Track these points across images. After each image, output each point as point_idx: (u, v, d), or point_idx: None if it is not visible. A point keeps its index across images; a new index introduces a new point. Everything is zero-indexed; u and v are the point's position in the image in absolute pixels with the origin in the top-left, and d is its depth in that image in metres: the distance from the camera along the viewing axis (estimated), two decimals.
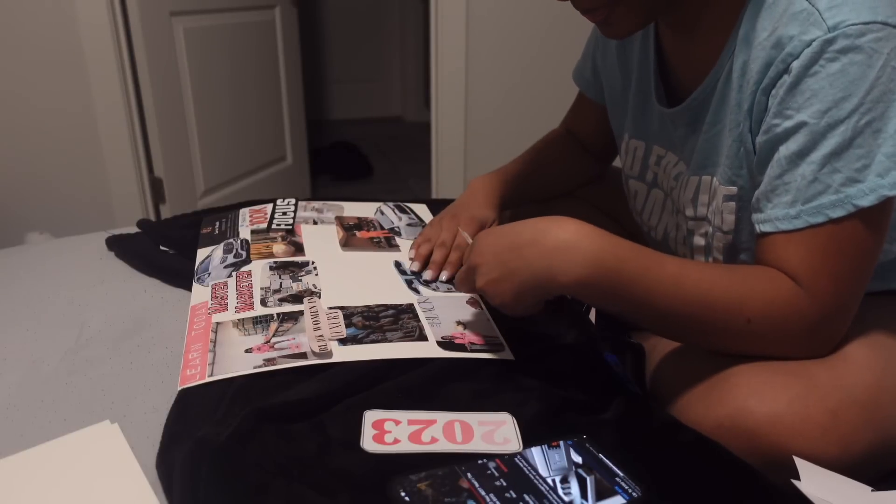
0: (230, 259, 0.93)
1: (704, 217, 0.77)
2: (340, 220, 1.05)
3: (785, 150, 0.62)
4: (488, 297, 0.69)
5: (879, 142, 0.59)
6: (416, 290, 0.86)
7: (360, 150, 3.40)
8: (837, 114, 0.59)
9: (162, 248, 1.02)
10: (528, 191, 1.03)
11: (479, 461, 0.57)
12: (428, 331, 0.77)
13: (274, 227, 1.02)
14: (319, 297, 0.83)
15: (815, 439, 0.57)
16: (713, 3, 0.70)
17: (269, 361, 0.71)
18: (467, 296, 0.85)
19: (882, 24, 0.58)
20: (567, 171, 1.08)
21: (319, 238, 0.99)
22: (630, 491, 0.54)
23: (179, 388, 0.68)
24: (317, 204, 1.11)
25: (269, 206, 1.09)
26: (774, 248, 0.64)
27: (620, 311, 0.67)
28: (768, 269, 0.65)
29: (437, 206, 1.13)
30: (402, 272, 0.91)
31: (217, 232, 1.03)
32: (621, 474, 0.56)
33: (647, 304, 0.64)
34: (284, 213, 1.06)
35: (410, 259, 0.93)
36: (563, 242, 0.63)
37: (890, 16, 0.58)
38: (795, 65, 0.60)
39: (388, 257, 0.94)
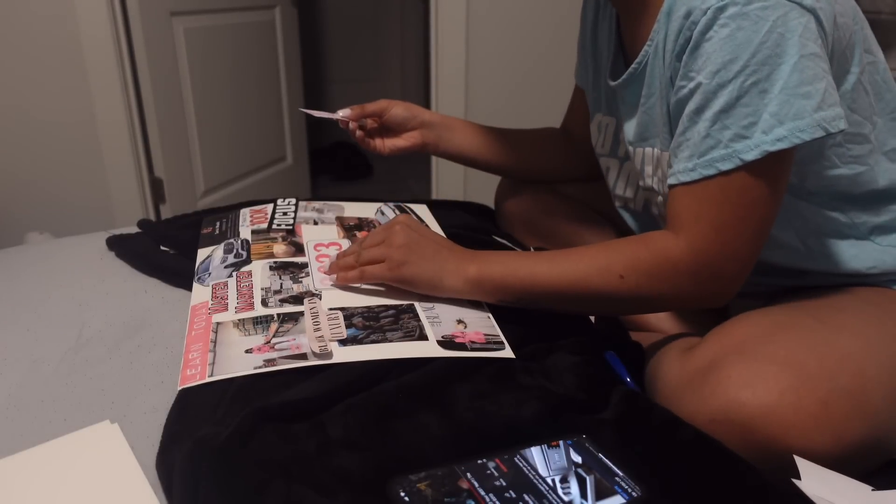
0: (230, 259, 0.93)
1: (651, 188, 0.83)
2: (341, 221, 1.05)
3: (687, 109, 0.68)
4: (391, 258, 0.80)
5: (766, 101, 0.63)
6: None
7: (360, 150, 3.40)
8: (725, 74, 0.64)
9: (162, 248, 1.02)
10: (476, 137, 1.09)
11: (479, 461, 0.57)
12: (428, 330, 0.77)
13: (274, 227, 1.02)
14: (320, 298, 0.83)
15: (808, 430, 0.58)
16: None
17: (269, 362, 0.71)
18: None
19: None
20: (538, 152, 1.12)
21: (318, 238, 0.99)
22: (630, 490, 0.54)
23: (179, 388, 0.68)
24: (317, 204, 1.11)
25: (270, 207, 1.09)
26: (674, 199, 0.71)
27: (515, 298, 0.78)
28: (643, 234, 0.74)
29: (437, 207, 1.13)
30: None
31: (217, 232, 1.03)
32: (621, 474, 0.56)
33: (534, 284, 0.75)
34: (285, 214, 1.06)
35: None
36: (472, 253, 0.80)
37: None
38: (696, 31, 0.66)
39: None
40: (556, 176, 1.14)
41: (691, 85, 0.67)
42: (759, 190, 0.66)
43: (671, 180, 0.70)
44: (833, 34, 0.66)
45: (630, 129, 0.84)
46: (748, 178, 0.65)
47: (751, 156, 0.64)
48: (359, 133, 1.05)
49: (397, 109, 1.05)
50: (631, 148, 0.85)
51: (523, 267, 0.76)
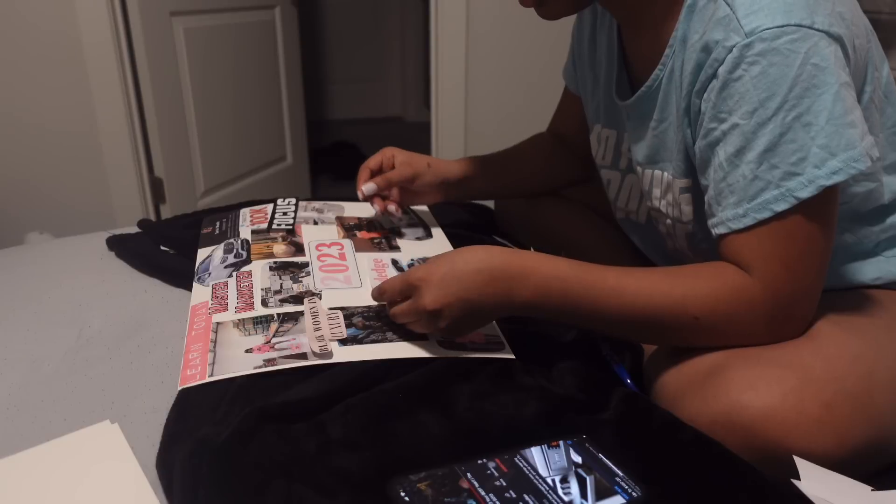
0: (230, 259, 0.93)
1: (658, 210, 0.81)
2: (341, 221, 1.05)
3: (723, 153, 0.65)
4: (448, 335, 0.73)
5: (812, 135, 0.61)
6: None
7: (360, 150, 3.40)
8: (764, 113, 0.62)
9: (162, 248, 1.02)
10: (493, 177, 1.06)
11: (479, 461, 0.57)
12: None
13: (274, 227, 1.02)
14: (320, 298, 0.83)
15: (811, 433, 0.58)
16: (651, 1, 0.73)
17: (269, 362, 0.71)
18: None
19: (796, 26, 0.60)
20: (542, 167, 1.10)
21: (320, 238, 0.99)
22: (630, 491, 0.54)
23: (179, 388, 0.68)
24: (317, 204, 1.11)
25: (270, 206, 1.09)
26: (729, 248, 0.67)
27: (575, 324, 0.72)
28: (715, 264, 0.68)
29: (437, 207, 1.13)
30: (400, 270, 0.91)
31: (217, 232, 1.03)
32: (621, 474, 0.56)
33: (595, 316, 0.68)
34: (285, 213, 1.06)
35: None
36: (517, 272, 0.68)
37: (804, 18, 0.61)
38: (721, 70, 0.63)
39: (388, 258, 0.94)
40: (554, 184, 1.13)
41: (724, 127, 0.65)
42: (818, 223, 0.63)
43: (720, 229, 0.67)
44: (853, 58, 0.65)
45: (639, 150, 0.82)
46: (806, 214, 0.63)
47: (806, 193, 0.61)
48: (380, 205, 0.98)
49: (427, 178, 0.99)
50: (639, 168, 0.83)
51: (587, 295, 0.67)
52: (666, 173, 0.78)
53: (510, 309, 0.69)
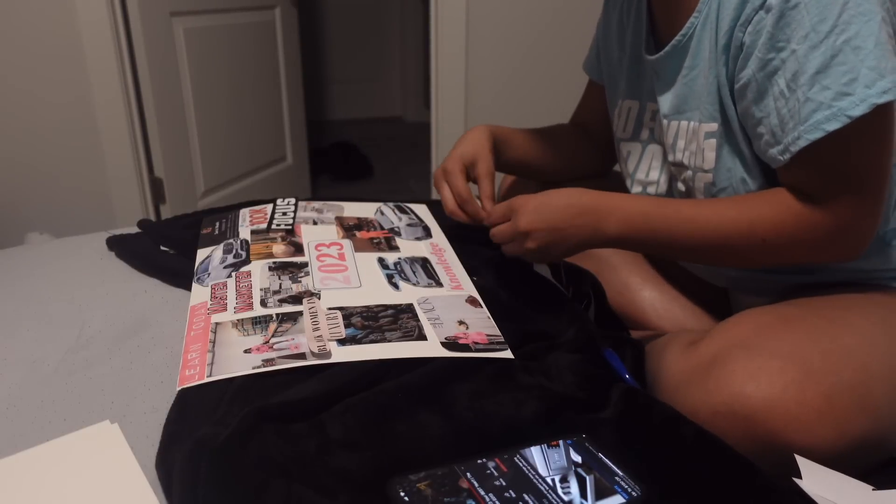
0: (230, 259, 0.93)
1: (681, 162, 0.83)
2: (340, 221, 1.05)
3: (783, 80, 0.68)
4: (533, 257, 0.80)
5: (862, 57, 0.63)
6: (396, 286, 0.86)
7: (360, 150, 3.40)
8: (816, 37, 0.64)
9: (162, 248, 1.02)
10: (522, 153, 1.05)
11: (479, 461, 0.57)
12: (429, 331, 0.76)
13: (274, 227, 1.02)
14: (319, 298, 0.83)
15: (811, 424, 0.58)
16: None
17: (267, 362, 0.70)
18: (467, 295, 0.85)
19: None
20: (566, 150, 1.11)
21: (319, 238, 0.99)
22: (630, 490, 0.54)
23: (178, 388, 0.68)
24: (317, 204, 1.11)
25: (269, 207, 1.09)
26: (789, 173, 0.71)
27: (655, 252, 0.82)
28: (778, 190, 0.72)
29: (437, 207, 1.13)
30: (385, 267, 0.91)
31: (217, 232, 1.03)
32: (621, 473, 0.56)
33: (674, 244, 0.76)
34: (284, 214, 1.06)
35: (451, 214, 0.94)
36: (604, 209, 0.76)
37: None
38: (774, 1, 0.65)
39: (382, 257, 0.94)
40: (575, 173, 1.13)
41: (783, 55, 0.67)
42: (873, 142, 0.67)
43: (785, 155, 0.69)
44: None
45: (666, 101, 0.84)
46: (860, 133, 0.65)
47: (858, 111, 0.63)
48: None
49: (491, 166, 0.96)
50: (665, 121, 0.85)
51: (666, 225, 0.75)
52: (692, 122, 0.80)
53: (598, 242, 0.77)
